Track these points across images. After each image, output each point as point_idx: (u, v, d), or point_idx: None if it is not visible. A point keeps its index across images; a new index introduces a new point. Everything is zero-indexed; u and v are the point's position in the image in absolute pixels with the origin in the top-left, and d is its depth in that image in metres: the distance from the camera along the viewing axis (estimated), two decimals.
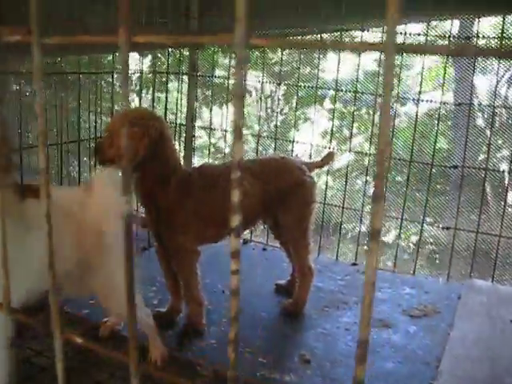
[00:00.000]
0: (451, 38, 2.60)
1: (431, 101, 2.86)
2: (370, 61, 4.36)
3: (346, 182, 3.08)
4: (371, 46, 0.38)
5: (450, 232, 2.82)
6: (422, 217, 2.85)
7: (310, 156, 3.08)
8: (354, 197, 3.83)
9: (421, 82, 2.84)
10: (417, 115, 2.82)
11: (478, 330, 2.27)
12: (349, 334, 2.27)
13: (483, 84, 3.42)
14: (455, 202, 2.76)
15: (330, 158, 2.53)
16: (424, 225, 2.88)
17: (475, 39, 2.54)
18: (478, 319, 2.37)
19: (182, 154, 3.35)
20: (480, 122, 3.57)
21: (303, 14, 2.87)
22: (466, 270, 2.85)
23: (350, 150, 3.16)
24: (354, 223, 3.88)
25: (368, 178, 3.11)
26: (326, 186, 3.02)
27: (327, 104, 5.23)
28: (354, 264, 3.06)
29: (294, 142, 3.22)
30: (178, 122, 3.34)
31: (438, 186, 2.92)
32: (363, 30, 2.83)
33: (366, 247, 3.51)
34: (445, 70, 2.83)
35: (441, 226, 2.88)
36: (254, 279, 2.76)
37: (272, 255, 3.08)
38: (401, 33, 2.77)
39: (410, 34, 2.73)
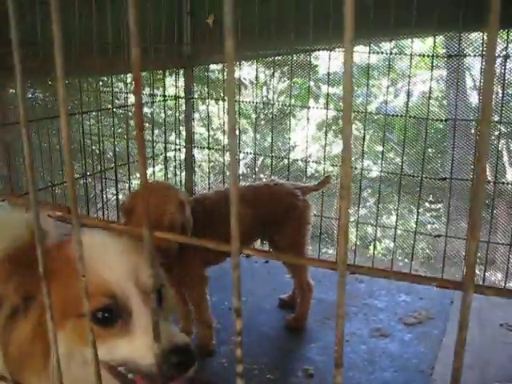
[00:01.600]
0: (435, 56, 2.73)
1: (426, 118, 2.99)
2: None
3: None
4: (322, 263, 0.52)
5: (442, 239, 2.97)
6: (415, 225, 3.01)
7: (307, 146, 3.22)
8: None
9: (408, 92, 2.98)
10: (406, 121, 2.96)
11: (469, 335, 2.42)
12: (348, 346, 2.43)
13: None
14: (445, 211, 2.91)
15: (326, 182, 2.67)
16: (418, 232, 3.04)
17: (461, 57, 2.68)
18: (469, 325, 2.52)
19: (183, 175, 3.49)
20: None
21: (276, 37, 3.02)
22: (460, 275, 3.01)
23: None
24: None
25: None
26: (322, 205, 3.15)
27: (322, 99, 5.32)
28: (353, 273, 3.20)
29: (290, 130, 3.35)
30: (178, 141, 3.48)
31: (430, 197, 3.06)
32: (330, 50, 2.95)
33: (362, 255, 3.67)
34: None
35: (432, 234, 3.03)
36: (257, 294, 2.92)
37: (274, 268, 3.23)
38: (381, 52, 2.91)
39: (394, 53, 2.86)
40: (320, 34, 2.88)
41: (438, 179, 2.91)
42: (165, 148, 3.35)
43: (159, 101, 3.33)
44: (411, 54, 2.75)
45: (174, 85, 3.41)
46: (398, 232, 3.16)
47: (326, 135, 3.30)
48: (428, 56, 2.79)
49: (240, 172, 4.49)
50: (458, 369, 0.49)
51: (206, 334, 2.40)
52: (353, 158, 3.61)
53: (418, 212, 2.95)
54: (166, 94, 3.37)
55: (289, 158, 3.44)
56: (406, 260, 3.40)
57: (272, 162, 3.49)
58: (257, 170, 4.73)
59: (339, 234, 0.44)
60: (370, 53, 2.89)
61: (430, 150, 3.10)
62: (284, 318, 2.67)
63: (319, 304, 2.80)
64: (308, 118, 3.25)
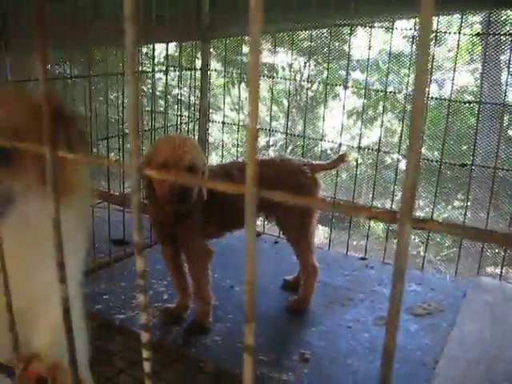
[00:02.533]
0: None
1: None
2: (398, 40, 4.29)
3: (355, 179, 3.09)
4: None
5: None
6: (431, 212, 2.86)
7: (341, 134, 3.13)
8: (383, 175, 3.80)
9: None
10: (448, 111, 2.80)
11: (479, 330, 2.30)
12: (350, 332, 2.33)
13: None
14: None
15: (340, 160, 2.53)
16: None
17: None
18: (481, 319, 2.39)
19: None
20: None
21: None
22: (475, 266, 2.86)
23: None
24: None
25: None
26: (336, 188, 3.03)
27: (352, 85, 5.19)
28: (363, 258, 3.09)
29: (324, 119, 3.26)
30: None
31: (450, 185, 2.90)
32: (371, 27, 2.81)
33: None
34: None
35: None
36: (263, 274, 2.83)
37: (283, 248, 3.13)
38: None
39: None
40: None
41: (457, 165, 2.76)
42: (177, 120, 3.27)
43: (175, 69, 3.23)
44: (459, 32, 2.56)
45: (190, 56, 3.32)
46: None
47: (362, 122, 3.17)
48: (470, 35, 2.61)
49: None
50: (390, 340, 0.38)
51: (203, 310, 2.33)
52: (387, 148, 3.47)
53: (435, 199, 2.80)
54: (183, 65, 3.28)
55: (320, 146, 3.34)
56: (419, 250, 3.26)
57: (303, 149, 3.37)
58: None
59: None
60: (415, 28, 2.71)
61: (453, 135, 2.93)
62: (286, 299, 2.58)
63: (325, 288, 2.70)
64: (344, 106, 3.14)
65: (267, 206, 2.47)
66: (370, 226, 3.11)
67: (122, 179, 3.24)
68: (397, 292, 0.37)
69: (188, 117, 3.34)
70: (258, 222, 3.42)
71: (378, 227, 3.96)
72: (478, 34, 2.50)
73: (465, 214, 2.79)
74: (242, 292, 2.65)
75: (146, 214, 2.51)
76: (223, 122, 3.43)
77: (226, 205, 2.33)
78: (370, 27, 2.80)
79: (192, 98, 3.33)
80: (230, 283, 2.72)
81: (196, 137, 3.39)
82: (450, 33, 2.60)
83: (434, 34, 2.54)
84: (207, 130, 3.47)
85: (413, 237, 3.83)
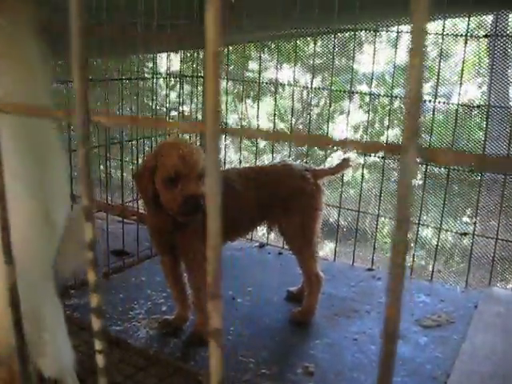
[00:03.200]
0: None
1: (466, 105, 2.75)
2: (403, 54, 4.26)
3: (361, 187, 3.01)
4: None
5: (469, 238, 2.72)
6: (440, 221, 2.77)
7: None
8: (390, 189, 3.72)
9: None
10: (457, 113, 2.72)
11: (492, 342, 2.19)
12: (355, 345, 2.23)
13: None
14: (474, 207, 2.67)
15: (344, 165, 2.45)
16: (442, 229, 2.79)
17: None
18: (493, 331, 2.28)
19: None
20: None
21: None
22: (487, 277, 2.75)
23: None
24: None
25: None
26: (341, 195, 2.95)
27: (359, 98, 5.14)
28: (370, 269, 3.00)
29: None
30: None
31: (456, 187, 2.81)
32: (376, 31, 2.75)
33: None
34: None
35: (458, 232, 2.78)
36: (266, 286, 2.75)
37: (287, 260, 3.04)
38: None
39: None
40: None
41: (466, 171, 2.67)
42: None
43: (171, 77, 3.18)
44: (466, 35, 2.49)
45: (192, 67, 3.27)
46: (421, 228, 2.92)
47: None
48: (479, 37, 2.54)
49: None
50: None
51: (203, 321, 2.23)
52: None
53: (443, 206, 2.70)
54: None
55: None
56: (428, 259, 3.15)
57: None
58: None
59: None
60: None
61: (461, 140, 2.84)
62: (290, 311, 2.48)
63: (330, 299, 2.60)
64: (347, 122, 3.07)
65: (269, 214, 2.40)
66: (376, 236, 3.00)
67: (122, 190, 3.17)
68: (401, 239, 0.29)
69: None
70: (261, 233, 3.35)
71: (386, 237, 3.85)
72: (486, 36, 2.43)
73: (475, 224, 2.69)
74: (245, 304, 2.57)
75: (144, 225, 2.44)
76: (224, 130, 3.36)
77: (227, 211, 2.25)
78: (375, 31, 2.74)
79: (193, 106, 3.28)
80: (231, 295, 2.63)
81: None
82: (456, 35, 2.53)
83: (441, 36, 2.47)
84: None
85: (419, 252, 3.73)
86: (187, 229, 2.14)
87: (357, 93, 3.42)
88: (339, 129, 4.99)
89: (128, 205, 3.28)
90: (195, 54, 3.33)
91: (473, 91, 4.15)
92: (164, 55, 3.54)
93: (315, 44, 3.11)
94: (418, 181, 2.86)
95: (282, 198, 2.33)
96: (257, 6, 2.92)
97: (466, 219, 2.94)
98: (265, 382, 1.99)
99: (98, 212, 3.04)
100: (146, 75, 3.29)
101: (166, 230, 2.15)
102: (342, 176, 2.99)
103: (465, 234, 2.72)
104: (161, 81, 3.40)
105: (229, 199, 2.33)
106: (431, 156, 0.30)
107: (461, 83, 2.51)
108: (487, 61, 3.46)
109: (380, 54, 3.21)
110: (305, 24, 2.87)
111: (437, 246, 2.78)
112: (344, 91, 3.52)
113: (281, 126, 5.09)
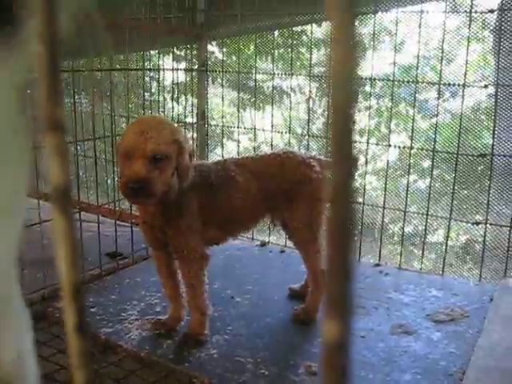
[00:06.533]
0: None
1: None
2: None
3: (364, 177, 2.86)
4: None
5: (482, 227, 2.56)
6: (450, 211, 2.61)
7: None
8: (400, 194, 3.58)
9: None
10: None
11: (510, 336, 2.02)
12: (363, 343, 2.07)
13: None
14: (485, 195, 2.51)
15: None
16: (452, 220, 2.63)
17: None
18: (511, 324, 2.11)
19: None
20: None
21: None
22: (501, 268, 2.58)
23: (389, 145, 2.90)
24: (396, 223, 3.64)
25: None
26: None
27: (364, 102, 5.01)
28: (378, 265, 2.83)
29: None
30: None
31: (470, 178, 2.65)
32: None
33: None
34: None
35: (470, 221, 2.61)
36: (266, 284, 2.60)
37: (289, 258, 2.89)
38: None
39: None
40: None
41: (476, 156, 2.51)
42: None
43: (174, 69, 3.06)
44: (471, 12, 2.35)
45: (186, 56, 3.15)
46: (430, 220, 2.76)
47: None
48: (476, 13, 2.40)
49: None
50: None
51: (198, 320, 2.08)
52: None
53: (453, 195, 2.54)
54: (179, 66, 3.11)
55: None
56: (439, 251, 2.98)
57: None
58: None
59: None
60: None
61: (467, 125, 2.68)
62: (292, 309, 2.33)
63: None
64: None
65: (272, 206, 2.24)
66: (382, 229, 2.84)
67: (114, 191, 3.05)
68: None
69: (185, 122, 3.16)
70: (263, 231, 3.20)
71: (393, 230, 3.68)
72: (491, 11, 2.28)
73: (487, 212, 2.53)
74: (243, 303, 2.42)
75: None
76: (223, 126, 3.24)
77: (227, 203, 2.11)
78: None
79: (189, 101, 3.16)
80: (230, 294, 2.48)
81: (195, 141, 3.20)
82: (458, 12, 2.39)
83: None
84: (206, 134, 3.28)
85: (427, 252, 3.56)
86: (179, 223, 2.00)
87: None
88: None
89: (122, 206, 3.16)
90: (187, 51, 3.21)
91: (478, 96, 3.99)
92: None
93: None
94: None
95: (285, 187, 2.16)
96: None
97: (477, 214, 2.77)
98: (263, 382, 1.83)
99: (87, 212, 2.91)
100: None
101: (156, 225, 2.01)
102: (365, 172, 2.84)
103: (477, 223, 2.56)
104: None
105: (230, 191, 2.21)
106: None
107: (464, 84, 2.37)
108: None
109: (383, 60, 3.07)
110: (303, 8, 2.74)
111: (447, 238, 2.62)
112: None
113: (286, 136, 4.94)
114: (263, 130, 3.31)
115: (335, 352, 0.30)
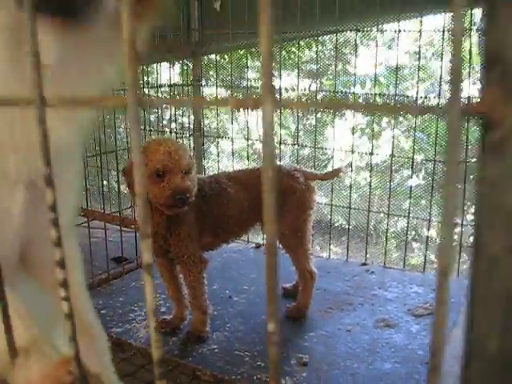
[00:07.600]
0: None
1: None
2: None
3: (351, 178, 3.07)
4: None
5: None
6: (429, 212, 2.83)
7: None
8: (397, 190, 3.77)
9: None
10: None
11: None
12: (349, 336, 2.29)
13: None
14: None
15: (334, 173, 2.54)
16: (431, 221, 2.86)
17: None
18: None
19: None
20: None
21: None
22: None
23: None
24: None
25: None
26: (332, 192, 3.02)
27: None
28: (364, 264, 3.06)
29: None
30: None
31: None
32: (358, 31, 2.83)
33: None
34: None
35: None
36: (261, 283, 2.81)
37: (282, 258, 3.10)
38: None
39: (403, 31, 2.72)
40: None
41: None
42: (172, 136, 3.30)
43: (168, 85, 3.26)
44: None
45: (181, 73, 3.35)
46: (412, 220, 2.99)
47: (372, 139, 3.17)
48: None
49: None
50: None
51: (200, 319, 2.30)
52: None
53: (431, 198, 2.77)
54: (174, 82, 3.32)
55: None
56: (421, 247, 3.21)
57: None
58: None
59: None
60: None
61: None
62: (285, 306, 2.54)
63: (324, 294, 2.67)
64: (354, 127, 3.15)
65: (260, 215, 2.46)
66: (368, 230, 3.07)
67: (118, 199, 3.25)
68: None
69: (182, 132, 3.37)
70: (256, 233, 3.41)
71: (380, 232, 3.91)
72: None
73: (463, 212, 2.75)
74: (241, 302, 2.64)
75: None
76: (218, 136, 3.45)
77: (219, 213, 2.33)
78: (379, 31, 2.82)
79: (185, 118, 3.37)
80: (228, 294, 2.70)
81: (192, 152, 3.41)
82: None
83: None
84: (203, 144, 3.49)
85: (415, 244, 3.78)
86: (180, 232, 2.22)
87: (351, 93, 3.48)
88: (340, 133, 5.03)
89: (126, 213, 3.36)
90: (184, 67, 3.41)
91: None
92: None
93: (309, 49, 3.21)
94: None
95: None
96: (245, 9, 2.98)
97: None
98: (258, 373, 2.05)
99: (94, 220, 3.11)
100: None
101: (159, 233, 2.23)
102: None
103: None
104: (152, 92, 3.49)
105: (222, 202, 2.44)
106: (285, 104, 0.37)
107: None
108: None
109: (371, 54, 3.28)
110: (307, 27, 2.93)
111: (427, 237, 2.84)
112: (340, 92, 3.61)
113: (282, 132, 5.12)
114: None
115: None
